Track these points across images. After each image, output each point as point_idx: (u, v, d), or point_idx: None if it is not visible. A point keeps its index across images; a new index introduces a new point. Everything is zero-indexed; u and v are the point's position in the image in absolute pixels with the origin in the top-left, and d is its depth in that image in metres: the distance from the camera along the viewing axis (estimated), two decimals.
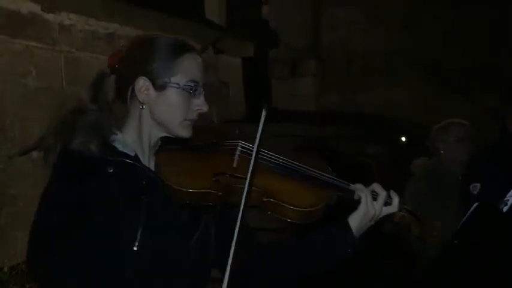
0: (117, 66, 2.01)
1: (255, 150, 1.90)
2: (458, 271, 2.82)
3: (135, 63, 1.98)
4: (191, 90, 1.97)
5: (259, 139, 1.91)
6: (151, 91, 1.96)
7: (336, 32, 10.36)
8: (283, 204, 1.98)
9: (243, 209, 1.84)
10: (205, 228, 2.02)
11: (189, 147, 2.04)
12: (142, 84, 1.96)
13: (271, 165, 2.05)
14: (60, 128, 1.96)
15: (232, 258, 1.81)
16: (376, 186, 2.10)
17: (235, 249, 1.82)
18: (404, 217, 2.15)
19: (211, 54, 8.27)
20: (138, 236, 1.89)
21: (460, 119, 4.67)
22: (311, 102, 10.28)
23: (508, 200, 2.73)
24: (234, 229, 1.83)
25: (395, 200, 2.11)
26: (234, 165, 2.02)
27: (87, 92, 2.02)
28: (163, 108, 1.97)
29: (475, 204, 2.69)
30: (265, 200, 1.96)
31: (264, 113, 1.93)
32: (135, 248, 1.89)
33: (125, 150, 1.97)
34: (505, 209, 2.74)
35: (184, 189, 1.92)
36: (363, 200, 2.06)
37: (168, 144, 2.05)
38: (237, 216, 1.83)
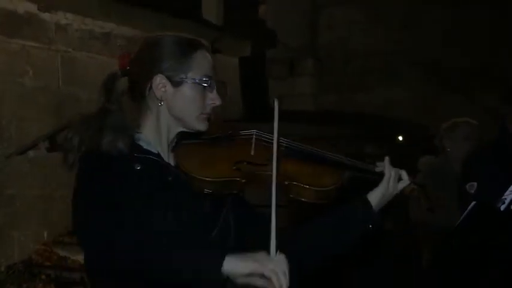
0: (128, 67, 2.08)
1: (275, 138, 2.01)
2: (456, 270, 2.81)
3: (150, 62, 2.05)
4: (206, 84, 2.05)
5: (277, 128, 2.02)
6: (169, 87, 2.04)
7: (334, 32, 10.34)
8: (304, 186, 2.08)
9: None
10: (226, 217, 2.09)
11: (206, 140, 2.14)
12: (159, 81, 2.04)
13: (289, 150, 2.16)
14: (85, 129, 2.00)
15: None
16: (389, 167, 2.21)
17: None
18: (414, 190, 2.28)
19: None
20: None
21: (467, 118, 4.68)
22: (309, 102, 10.26)
23: (506, 198, 2.73)
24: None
25: (405, 174, 2.24)
26: (252, 153, 2.13)
27: (101, 94, 2.09)
28: (181, 104, 2.05)
29: (473, 203, 2.69)
30: (287, 183, 2.06)
31: (276, 104, 2.08)
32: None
33: (149, 148, 2.04)
34: (502, 207, 2.74)
35: (209, 179, 2.01)
36: (385, 178, 2.18)
37: (184, 140, 2.13)
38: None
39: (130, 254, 1.80)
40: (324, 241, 2.19)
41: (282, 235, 2.06)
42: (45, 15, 6.56)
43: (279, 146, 2.06)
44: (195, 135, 2.12)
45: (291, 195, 2.10)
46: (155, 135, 2.08)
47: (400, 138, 7.61)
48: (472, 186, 3.57)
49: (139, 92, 2.07)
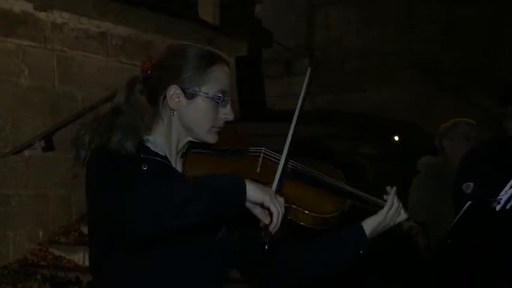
0: (149, 72, 2.10)
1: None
2: (452, 270, 2.82)
3: (168, 71, 2.07)
4: (220, 100, 2.07)
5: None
6: (182, 99, 2.06)
7: (330, 32, 10.35)
8: (303, 210, 2.09)
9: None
10: (229, 223, 2.10)
11: (214, 152, 2.14)
12: (173, 92, 2.05)
13: (293, 173, 2.14)
14: (96, 126, 2.03)
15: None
16: (393, 196, 2.19)
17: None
18: (412, 227, 2.26)
19: None
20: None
21: (466, 119, 4.68)
22: (305, 102, 10.27)
23: (501, 198, 2.73)
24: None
25: (403, 211, 2.22)
26: (258, 170, 2.14)
27: (120, 95, 2.10)
28: (193, 116, 2.07)
29: (468, 203, 2.69)
30: (286, 205, 2.01)
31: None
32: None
33: (156, 151, 2.07)
34: (498, 207, 2.74)
35: None
36: (385, 208, 2.17)
37: (194, 148, 2.14)
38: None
39: (155, 203, 1.84)
40: (314, 264, 2.21)
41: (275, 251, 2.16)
42: (41, 15, 6.56)
43: (285, 166, 2.07)
44: (204, 145, 2.14)
45: (289, 217, 2.08)
46: (165, 141, 2.10)
47: (396, 138, 7.62)
48: (468, 186, 3.57)
49: (154, 98, 2.10)
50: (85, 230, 6.01)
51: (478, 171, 3.66)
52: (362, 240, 2.17)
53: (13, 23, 6.31)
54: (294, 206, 2.08)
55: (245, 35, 9.17)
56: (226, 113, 2.10)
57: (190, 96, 2.05)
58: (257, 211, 1.89)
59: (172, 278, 2.03)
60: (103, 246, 2.03)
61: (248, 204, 1.87)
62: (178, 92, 2.05)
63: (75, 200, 6.55)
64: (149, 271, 2.01)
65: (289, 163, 2.14)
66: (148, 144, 2.07)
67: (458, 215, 2.62)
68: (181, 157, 2.14)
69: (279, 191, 1.98)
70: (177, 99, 2.06)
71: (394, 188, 2.21)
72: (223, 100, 2.07)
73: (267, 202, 1.87)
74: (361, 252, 2.17)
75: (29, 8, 6.46)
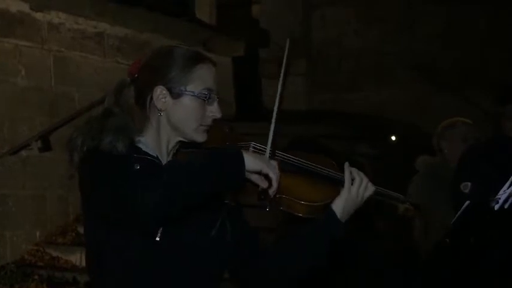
0: (136, 75, 2.13)
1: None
2: (450, 270, 2.82)
3: (153, 72, 2.10)
4: (205, 97, 2.09)
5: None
6: (168, 99, 2.08)
7: (327, 31, 10.33)
8: (294, 200, 2.11)
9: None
10: (223, 222, 2.13)
11: (204, 150, 2.15)
12: (160, 92, 2.08)
13: (281, 163, 2.14)
14: (88, 129, 2.05)
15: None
16: (353, 171, 2.22)
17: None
18: (408, 210, 2.26)
19: None
20: (161, 228, 2.01)
21: (464, 118, 4.67)
22: (302, 102, 10.26)
23: (500, 198, 2.72)
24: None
25: (369, 184, 2.23)
26: None
27: (109, 98, 2.14)
28: (180, 115, 2.10)
29: (467, 203, 2.69)
30: (277, 196, 2.06)
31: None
32: (157, 239, 2.01)
33: (147, 151, 2.09)
34: (496, 207, 2.74)
35: None
36: (346, 185, 2.19)
37: (184, 148, 2.17)
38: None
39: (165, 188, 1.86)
40: (294, 258, 2.22)
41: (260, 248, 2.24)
42: (38, 15, 6.55)
43: (271, 158, 2.10)
44: (193, 144, 2.16)
45: (281, 208, 2.11)
46: (155, 141, 2.13)
47: (393, 138, 7.62)
48: (466, 186, 3.57)
49: (142, 100, 2.12)
50: (82, 230, 6.00)
51: (476, 171, 3.66)
52: (334, 221, 2.17)
53: (10, 23, 6.30)
54: (285, 196, 2.10)
55: (242, 35, 9.17)
56: (213, 110, 2.12)
57: (176, 95, 2.08)
58: (254, 177, 1.96)
59: (170, 276, 2.04)
60: (101, 245, 2.04)
61: (246, 173, 1.94)
62: (164, 92, 2.08)
63: (73, 200, 6.54)
64: (146, 270, 2.02)
65: (279, 155, 2.17)
66: (140, 145, 2.09)
67: (457, 215, 2.62)
68: (172, 157, 2.16)
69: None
70: (163, 99, 2.08)
71: (347, 163, 2.23)
72: (209, 98, 2.10)
73: (265, 169, 1.95)
74: (334, 233, 2.18)
75: (26, 8, 6.45)
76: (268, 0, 10.32)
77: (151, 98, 2.09)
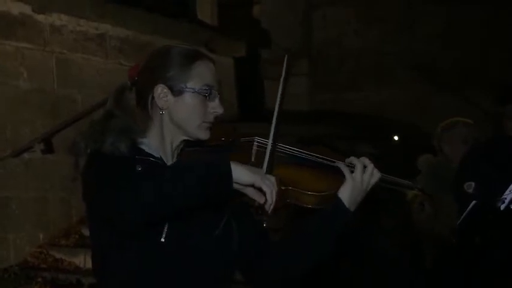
0: (136, 78, 2.14)
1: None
2: (457, 269, 2.82)
3: (153, 72, 2.10)
4: (206, 94, 2.09)
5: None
6: (170, 97, 2.08)
7: (328, 32, 10.34)
8: (301, 191, 2.09)
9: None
10: (228, 220, 2.12)
11: (209, 147, 2.16)
12: (160, 91, 2.07)
13: (285, 156, 2.16)
14: (90, 132, 2.05)
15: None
16: (353, 159, 2.19)
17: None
18: (417, 196, 2.25)
19: None
20: (166, 229, 2.00)
21: (464, 119, 4.67)
22: (303, 102, 10.27)
23: (506, 198, 2.73)
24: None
25: (375, 170, 2.20)
26: (252, 159, 2.16)
27: (110, 101, 2.13)
28: (182, 112, 2.09)
29: (473, 203, 2.69)
30: (283, 188, 2.06)
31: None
32: (162, 240, 2.00)
33: (150, 152, 2.08)
34: (502, 207, 2.74)
35: None
36: (353, 172, 2.15)
37: (189, 147, 2.17)
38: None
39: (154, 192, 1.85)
40: (301, 252, 2.20)
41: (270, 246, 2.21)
42: (40, 17, 6.55)
43: (275, 151, 2.10)
44: (197, 142, 2.15)
45: (288, 200, 2.10)
46: (159, 142, 2.12)
47: (396, 138, 7.62)
48: (469, 186, 3.57)
49: (143, 100, 2.12)
50: (85, 232, 6.01)
51: (479, 171, 3.66)
52: (341, 209, 2.14)
53: (11, 25, 6.30)
54: (291, 188, 2.09)
55: (243, 36, 9.17)
56: (215, 106, 2.11)
57: (177, 93, 2.08)
58: (250, 192, 1.91)
59: (175, 277, 2.04)
60: (106, 247, 2.04)
61: (238, 186, 1.89)
62: (165, 90, 2.07)
63: (75, 202, 6.54)
64: (150, 271, 2.02)
65: (281, 147, 2.17)
66: (143, 146, 2.08)
67: (463, 215, 2.62)
68: (177, 157, 2.16)
69: (270, 172, 2.01)
70: (164, 98, 2.08)
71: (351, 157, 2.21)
72: (210, 93, 2.09)
73: (258, 182, 1.89)
74: (343, 222, 2.15)
75: (28, 10, 6.45)
76: (268, 0, 10.33)
77: (153, 98, 2.08)
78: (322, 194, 2.13)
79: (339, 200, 2.14)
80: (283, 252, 2.22)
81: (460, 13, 9.16)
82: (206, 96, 2.09)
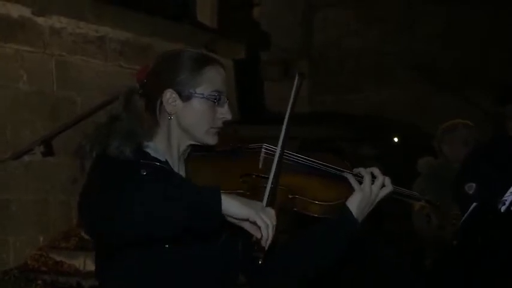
0: (145, 80, 2.13)
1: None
2: (458, 271, 2.81)
3: (162, 76, 2.10)
4: (215, 99, 2.08)
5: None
6: (178, 102, 2.08)
7: (328, 33, 10.33)
8: (308, 200, 2.09)
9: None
10: (232, 226, 2.07)
11: (216, 153, 2.16)
12: (169, 96, 2.07)
13: (293, 164, 2.16)
14: (95, 135, 2.05)
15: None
16: (362, 170, 2.18)
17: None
18: (424, 207, 2.25)
19: None
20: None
21: (465, 120, 4.67)
22: (304, 104, 10.26)
23: (506, 199, 2.72)
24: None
25: (387, 180, 2.19)
26: (260, 166, 2.16)
27: (118, 105, 2.13)
28: (190, 118, 2.09)
29: (474, 204, 2.69)
30: (290, 197, 2.06)
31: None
32: (166, 246, 1.98)
33: (156, 156, 2.07)
34: (503, 208, 2.74)
35: None
36: (362, 183, 2.14)
37: (196, 152, 2.16)
38: None
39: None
40: (310, 256, 2.19)
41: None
42: (40, 19, 6.54)
43: (282, 158, 2.07)
44: (205, 147, 2.15)
45: (295, 209, 2.10)
46: (166, 146, 2.11)
47: (396, 139, 7.62)
48: (470, 187, 3.56)
49: (152, 105, 2.11)
50: (86, 235, 6.00)
51: (479, 171, 3.66)
52: (349, 219, 2.12)
53: (11, 28, 6.29)
54: (298, 197, 2.08)
55: (243, 38, 9.16)
56: (224, 112, 2.11)
57: (186, 98, 2.07)
58: (246, 226, 1.87)
59: (178, 283, 2.03)
60: (108, 250, 2.03)
61: (233, 220, 1.85)
62: (174, 95, 2.07)
63: (76, 205, 6.51)
64: (155, 276, 2.01)
65: (289, 154, 2.15)
66: (148, 150, 2.07)
67: (465, 216, 2.62)
68: (184, 161, 2.15)
69: (274, 191, 1.98)
70: (173, 103, 2.07)
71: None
72: (219, 99, 2.09)
73: (253, 217, 1.83)
74: (350, 231, 2.13)
75: (27, 12, 6.44)
76: (268, 2, 10.32)
77: (161, 102, 2.08)
78: (330, 203, 2.13)
79: (347, 209, 2.13)
80: (286, 254, 2.21)
81: (460, 13, 9.15)
82: (215, 102, 2.08)
